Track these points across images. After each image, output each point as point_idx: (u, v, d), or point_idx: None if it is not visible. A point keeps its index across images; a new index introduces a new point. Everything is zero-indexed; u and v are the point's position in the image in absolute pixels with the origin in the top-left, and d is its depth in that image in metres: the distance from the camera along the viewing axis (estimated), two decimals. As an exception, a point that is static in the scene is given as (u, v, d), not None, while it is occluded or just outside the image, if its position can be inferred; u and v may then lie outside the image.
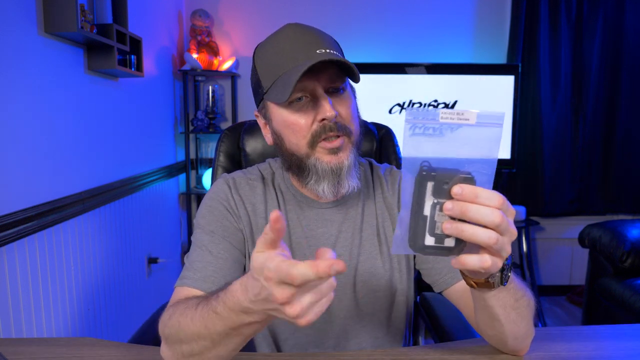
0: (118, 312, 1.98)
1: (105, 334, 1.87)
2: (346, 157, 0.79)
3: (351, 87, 0.86)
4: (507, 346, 0.73)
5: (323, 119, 0.76)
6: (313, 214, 0.87)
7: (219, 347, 0.60)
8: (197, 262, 0.79)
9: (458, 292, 0.82)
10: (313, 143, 0.78)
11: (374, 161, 0.97)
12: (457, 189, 0.49)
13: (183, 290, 0.76)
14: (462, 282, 0.80)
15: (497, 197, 0.51)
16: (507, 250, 0.53)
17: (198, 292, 0.74)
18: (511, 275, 0.62)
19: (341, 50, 0.83)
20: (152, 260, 2.32)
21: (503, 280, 0.60)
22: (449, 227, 0.50)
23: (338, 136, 0.78)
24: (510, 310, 0.65)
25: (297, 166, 0.81)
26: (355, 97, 0.85)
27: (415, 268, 0.91)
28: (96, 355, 0.74)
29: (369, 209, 0.89)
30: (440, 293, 0.86)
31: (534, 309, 0.71)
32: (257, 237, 0.84)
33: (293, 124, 0.78)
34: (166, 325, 0.66)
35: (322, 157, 0.78)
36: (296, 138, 0.79)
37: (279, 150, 0.85)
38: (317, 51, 0.75)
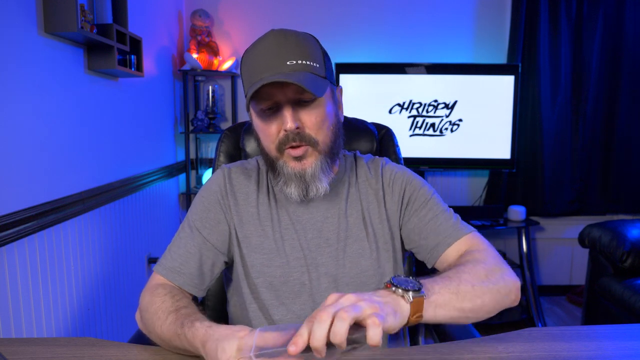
0: (118, 312, 1.98)
1: (105, 334, 1.87)
2: (310, 165, 0.84)
3: (332, 92, 0.88)
4: (498, 310, 0.78)
5: (285, 130, 0.82)
6: (300, 203, 0.92)
7: (173, 349, 0.75)
8: (173, 250, 0.89)
9: (441, 265, 0.88)
10: (280, 148, 0.84)
11: (358, 152, 1.02)
12: (291, 348, 0.56)
13: (157, 278, 0.88)
14: (443, 255, 0.87)
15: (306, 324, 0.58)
16: (350, 313, 0.57)
17: (165, 281, 0.87)
18: (424, 283, 0.68)
19: (322, 57, 0.85)
20: (152, 260, 2.32)
21: (410, 295, 0.65)
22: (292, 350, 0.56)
23: (301, 146, 0.83)
24: (461, 304, 0.71)
25: (271, 165, 0.89)
26: (333, 104, 0.88)
27: (405, 250, 0.96)
28: (96, 355, 0.74)
29: (353, 195, 0.94)
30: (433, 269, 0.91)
31: (488, 267, 0.76)
32: (246, 223, 0.91)
33: (263, 130, 0.86)
34: (143, 309, 0.81)
35: (288, 162, 0.85)
36: (266, 142, 0.86)
37: (258, 146, 0.92)
38: (288, 62, 0.79)
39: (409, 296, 0.65)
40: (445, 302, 0.70)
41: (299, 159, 0.84)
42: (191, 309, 0.78)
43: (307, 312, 0.88)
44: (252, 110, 0.87)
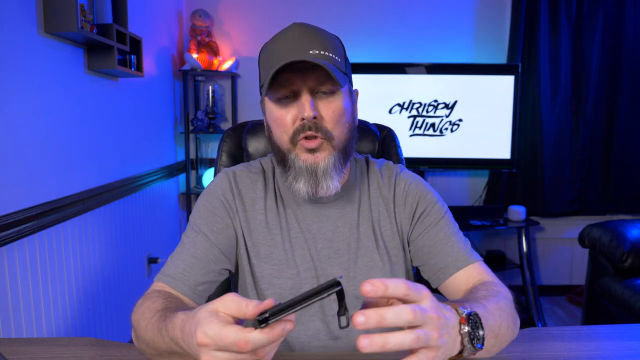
0: (118, 312, 1.98)
1: (105, 334, 1.87)
2: (323, 159, 0.80)
3: (350, 92, 0.86)
4: None
5: (302, 118, 0.78)
6: (310, 209, 0.88)
7: (160, 357, 0.66)
8: (175, 257, 0.83)
9: (450, 289, 0.84)
10: (294, 139, 0.80)
11: (370, 157, 0.97)
12: (367, 287, 0.47)
13: (157, 285, 0.81)
14: (452, 278, 0.83)
15: (403, 287, 0.48)
16: (434, 337, 0.49)
17: (167, 288, 0.79)
18: (482, 322, 0.58)
19: (343, 55, 0.84)
20: (152, 260, 2.32)
21: (475, 345, 0.56)
22: (367, 344, 0.46)
23: (316, 137, 0.79)
24: (496, 344, 0.65)
25: (282, 160, 0.84)
26: (351, 103, 0.85)
27: (412, 265, 0.93)
28: (96, 355, 0.74)
29: (364, 204, 0.90)
30: (436, 289, 0.87)
31: (511, 307, 0.71)
32: (254, 231, 0.87)
33: (278, 119, 0.81)
34: (134, 314, 0.72)
35: (300, 154, 0.81)
36: (280, 132, 0.82)
37: (269, 142, 0.87)
38: (311, 52, 0.77)
39: (469, 349, 0.56)
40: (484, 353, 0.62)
41: (312, 151, 0.80)
42: (183, 307, 0.70)
43: (317, 323, 0.85)
44: (267, 100, 0.83)
